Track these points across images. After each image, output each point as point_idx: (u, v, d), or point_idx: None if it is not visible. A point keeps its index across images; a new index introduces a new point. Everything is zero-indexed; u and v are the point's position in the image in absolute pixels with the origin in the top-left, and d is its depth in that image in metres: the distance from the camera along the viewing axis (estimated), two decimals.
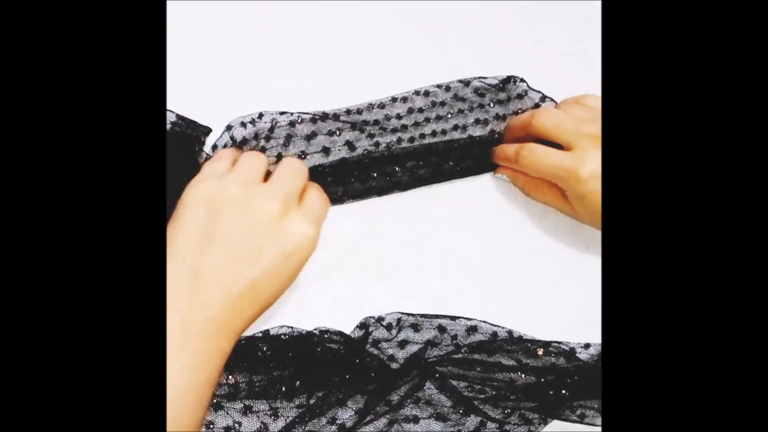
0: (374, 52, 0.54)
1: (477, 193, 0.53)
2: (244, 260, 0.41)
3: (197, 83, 0.52)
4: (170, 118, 0.50)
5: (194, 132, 0.50)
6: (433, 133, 0.52)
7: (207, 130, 0.50)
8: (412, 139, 0.52)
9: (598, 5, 0.50)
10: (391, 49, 0.54)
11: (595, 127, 0.47)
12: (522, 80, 0.52)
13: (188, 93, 0.51)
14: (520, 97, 0.52)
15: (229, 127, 0.50)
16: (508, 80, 0.52)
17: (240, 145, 0.49)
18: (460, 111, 0.52)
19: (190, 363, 0.39)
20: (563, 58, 0.51)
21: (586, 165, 0.46)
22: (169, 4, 0.51)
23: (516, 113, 0.52)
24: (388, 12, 0.54)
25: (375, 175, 0.51)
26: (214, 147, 0.51)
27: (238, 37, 0.53)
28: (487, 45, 0.54)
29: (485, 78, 0.52)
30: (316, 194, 0.46)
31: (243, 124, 0.49)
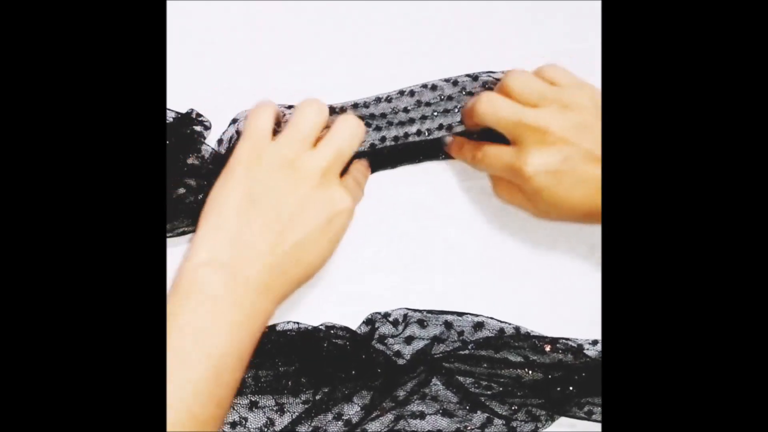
0: (378, 50, 0.54)
1: (483, 190, 0.52)
2: (288, 220, 0.41)
3: (201, 80, 0.52)
4: (171, 114, 0.50)
5: (196, 126, 0.50)
6: (440, 127, 0.52)
7: (208, 125, 0.50)
8: (419, 133, 0.52)
9: (599, 5, 0.50)
10: (394, 46, 0.54)
11: (534, 115, 0.44)
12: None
13: (192, 91, 0.51)
14: None
15: (234, 121, 0.50)
16: None
17: None
18: None
19: (235, 320, 0.39)
20: (567, 57, 0.51)
21: (529, 162, 0.43)
22: (170, 2, 0.51)
23: None
24: (392, 9, 0.54)
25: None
26: (220, 141, 0.50)
27: (242, 33, 0.53)
28: (491, 43, 0.54)
29: (493, 72, 0.51)
30: (356, 179, 0.48)
31: None
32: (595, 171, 0.43)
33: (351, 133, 0.45)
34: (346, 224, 0.44)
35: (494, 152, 0.46)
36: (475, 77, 0.52)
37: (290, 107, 0.49)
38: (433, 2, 0.54)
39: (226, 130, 0.50)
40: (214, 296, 0.39)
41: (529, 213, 0.47)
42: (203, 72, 0.52)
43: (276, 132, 0.45)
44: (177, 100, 0.49)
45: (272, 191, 0.42)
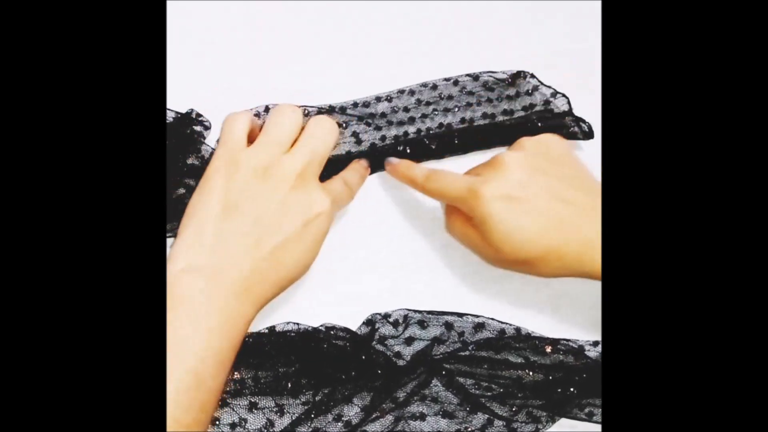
0: (378, 49, 0.54)
1: None
2: (265, 225, 0.42)
3: (201, 80, 0.52)
4: (171, 114, 0.49)
5: (195, 126, 0.50)
6: (440, 126, 0.52)
7: (208, 125, 0.50)
8: (419, 132, 0.52)
9: (599, 5, 0.50)
10: (394, 46, 0.54)
11: (492, 157, 0.45)
12: (532, 75, 0.51)
13: (192, 91, 0.51)
14: (529, 93, 0.52)
15: None
16: (518, 75, 0.51)
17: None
18: (468, 104, 0.52)
19: (214, 325, 0.39)
20: (567, 57, 0.51)
21: (490, 184, 0.42)
22: (170, 2, 0.51)
23: (525, 109, 0.52)
24: (393, 9, 0.54)
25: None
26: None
27: (242, 33, 0.53)
28: (492, 42, 0.54)
29: (494, 72, 0.51)
30: (347, 180, 0.48)
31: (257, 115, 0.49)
32: (552, 206, 0.42)
33: (324, 133, 0.45)
34: (325, 226, 0.44)
35: (450, 176, 0.46)
36: (475, 77, 0.51)
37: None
38: (433, 2, 0.54)
39: None
40: (191, 302, 0.39)
41: (479, 255, 0.45)
42: (203, 72, 0.52)
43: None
44: (177, 100, 0.49)
45: (249, 198, 0.42)
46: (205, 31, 0.53)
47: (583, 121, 0.51)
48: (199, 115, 0.50)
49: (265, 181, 0.42)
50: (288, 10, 0.54)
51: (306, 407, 0.46)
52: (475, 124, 0.52)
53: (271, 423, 0.46)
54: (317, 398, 0.46)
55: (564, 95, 0.51)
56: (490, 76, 0.51)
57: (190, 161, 0.49)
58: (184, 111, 0.50)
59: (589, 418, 0.46)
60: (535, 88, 0.51)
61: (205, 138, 0.50)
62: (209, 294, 0.40)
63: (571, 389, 0.46)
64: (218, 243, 0.41)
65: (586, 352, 0.47)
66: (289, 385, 0.46)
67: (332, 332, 0.47)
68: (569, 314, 0.49)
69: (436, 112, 0.52)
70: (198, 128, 0.50)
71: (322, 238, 0.44)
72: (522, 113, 0.52)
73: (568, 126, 0.51)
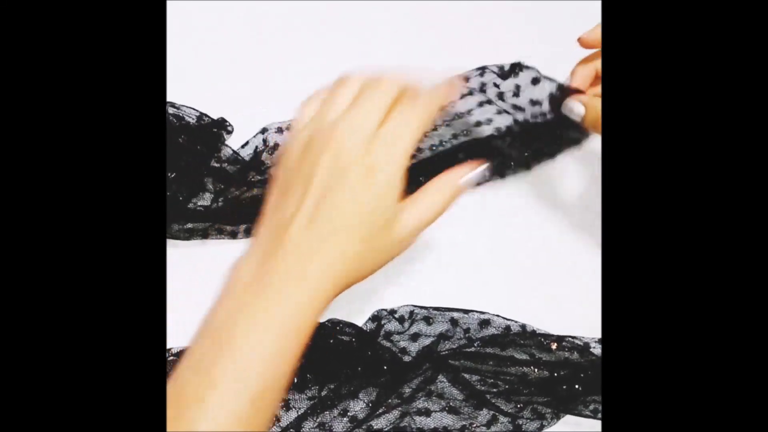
0: (379, 50, 0.54)
1: (490, 187, 0.52)
2: (350, 239, 0.37)
3: (202, 80, 0.53)
4: (194, 114, 0.50)
5: (217, 130, 0.51)
6: None
7: (230, 129, 0.51)
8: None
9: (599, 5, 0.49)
10: (395, 46, 0.54)
11: None
12: (528, 67, 0.51)
13: (193, 90, 0.52)
14: (534, 82, 0.50)
15: (264, 130, 0.51)
16: (515, 67, 0.51)
17: (271, 150, 0.50)
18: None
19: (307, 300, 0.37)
20: (567, 57, 0.50)
21: None
22: (170, 2, 0.52)
23: (533, 103, 0.51)
24: (394, 10, 0.54)
25: None
26: (245, 144, 0.51)
27: (243, 32, 0.54)
28: (492, 43, 0.54)
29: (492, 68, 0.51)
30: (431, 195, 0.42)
31: (279, 130, 0.50)
32: None
33: (415, 120, 0.39)
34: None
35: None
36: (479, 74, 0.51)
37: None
38: (434, 3, 0.54)
39: (254, 137, 0.51)
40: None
41: None
42: (203, 72, 0.53)
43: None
44: (177, 100, 0.50)
45: (338, 206, 0.38)
46: (205, 31, 0.54)
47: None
48: (224, 119, 0.51)
49: (363, 181, 0.38)
50: (289, 10, 0.54)
51: (312, 402, 0.46)
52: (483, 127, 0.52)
53: (277, 418, 0.46)
54: (323, 393, 0.46)
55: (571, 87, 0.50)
56: (490, 71, 0.51)
57: (211, 164, 0.50)
58: (204, 111, 0.50)
59: (593, 415, 0.45)
60: (536, 81, 0.51)
61: (224, 140, 0.51)
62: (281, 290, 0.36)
63: (576, 386, 0.45)
64: (297, 251, 0.36)
65: (591, 350, 0.46)
66: (296, 380, 0.46)
67: (338, 328, 0.47)
68: (574, 311, 0.49)
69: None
70: (220, 132, 0.51)
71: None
72: (521, 108, 0.51)
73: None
